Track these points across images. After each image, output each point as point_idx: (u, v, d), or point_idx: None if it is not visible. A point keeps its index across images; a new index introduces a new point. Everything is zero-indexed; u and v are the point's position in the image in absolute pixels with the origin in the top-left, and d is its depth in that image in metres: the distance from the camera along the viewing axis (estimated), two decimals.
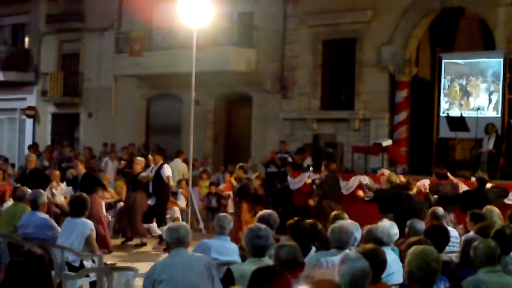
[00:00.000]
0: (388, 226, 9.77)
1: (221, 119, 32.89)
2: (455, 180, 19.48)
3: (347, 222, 10.38)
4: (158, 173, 20.67)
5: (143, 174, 20.97)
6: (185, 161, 24.08)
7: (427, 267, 6.90)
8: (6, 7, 40.22)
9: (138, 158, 22.77)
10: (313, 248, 9.92)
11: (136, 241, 20.78)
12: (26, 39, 40.74)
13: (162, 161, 21.05)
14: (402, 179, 18.79)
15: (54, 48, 38.98)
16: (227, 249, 10.70)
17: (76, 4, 37.42)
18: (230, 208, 24.53)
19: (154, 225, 20.65)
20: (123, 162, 23.36)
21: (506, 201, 18.22)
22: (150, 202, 20.82)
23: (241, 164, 22.63)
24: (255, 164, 27.99)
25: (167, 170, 20.80)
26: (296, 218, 10.74)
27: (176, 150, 25.80)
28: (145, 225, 20.72)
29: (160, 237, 20.24)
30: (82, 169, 19.92)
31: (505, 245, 9.09)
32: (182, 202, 23.38)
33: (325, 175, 20.97)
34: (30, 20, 40.09)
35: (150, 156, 22.19)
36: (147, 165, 21.46)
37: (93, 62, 36.67)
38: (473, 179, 18.73)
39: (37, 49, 39.48)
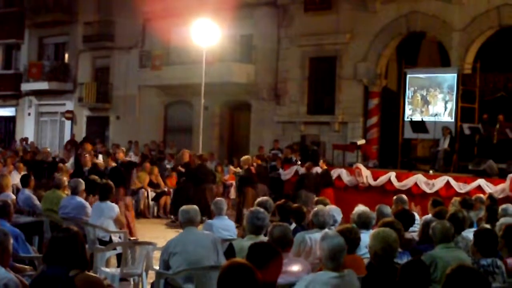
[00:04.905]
0: (370, 212, 9.80)
1: (225, 122, 32.85)
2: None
3: (327, 207, 10.40)
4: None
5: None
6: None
7: (389, 247, 6.89)
8: (50, 29, 40.29)
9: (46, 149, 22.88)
10: (293, 224, 9.98)
11: None
12: (66, 55, 40.71)
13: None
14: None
15: (89, 63, 38.96)
16: (226, 226, 10.83)
17: (107, 27, 37.40)
18: (233, 194, 24.54)
19: None
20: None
21: None
22: None
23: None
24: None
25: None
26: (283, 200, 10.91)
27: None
28: None
29: None
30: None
31: (458, 226, 9.11)
32: None
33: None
34: (69, 40, 40.11)
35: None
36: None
37: (121, 75, 36.66)
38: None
39: (75, 63, 39.48)
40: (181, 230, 8.98)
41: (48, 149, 23.78)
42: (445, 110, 23.60)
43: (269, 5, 30.04)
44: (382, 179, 20.59)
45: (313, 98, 28.98)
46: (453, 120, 23.16)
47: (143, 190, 22.50)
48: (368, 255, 8.08)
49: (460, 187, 18.67)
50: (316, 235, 8.59)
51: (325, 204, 10.88)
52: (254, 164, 21.75)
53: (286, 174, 23.52)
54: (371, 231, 9.14)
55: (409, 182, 19.92)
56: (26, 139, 37.39)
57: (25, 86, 40.78)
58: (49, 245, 5.76)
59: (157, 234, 17.24)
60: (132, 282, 10.75)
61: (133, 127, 35.29)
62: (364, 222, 9.38)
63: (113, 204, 12.26)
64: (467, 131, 22.20)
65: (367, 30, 26.75)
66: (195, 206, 9.10)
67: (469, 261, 7.70)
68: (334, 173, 21.81)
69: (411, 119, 23.79)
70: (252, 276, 4.81)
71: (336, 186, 21.34)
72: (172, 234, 12.72)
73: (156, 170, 23.78)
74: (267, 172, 23.14)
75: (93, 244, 11.53)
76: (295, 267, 7.24)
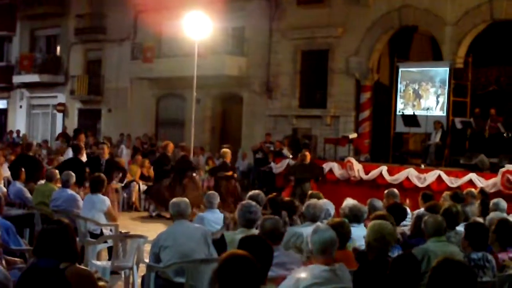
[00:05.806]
0: (361, 206, 9.81)
1: (217, 115, 32.82)
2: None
3: (321, 200, 10.39)
4: None
5: None
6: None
7: (383, 239, 6.91)
8: (41, 21, 40.24)
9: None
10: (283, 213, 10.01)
11: None
12: (58, 48, 40.65)
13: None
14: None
15: (80, 55, 38.91)
16: (217, 218, 10.87)
17: (99, 20, 37.35)
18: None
19: None
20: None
21: None
22: None
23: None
24: (244, 153, 28.05)
25: None
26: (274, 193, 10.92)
27: None
28: None
29: None
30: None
31: (451, 221, 9.11)
32: None
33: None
34: (61, 32, 40.02)
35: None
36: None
37: (112, 67, 36.58)
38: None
39: (67, 56, 39.42)
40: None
41: (34, 142, 23.56)
42: (437, 104, 23.62)
43: None
44: (374, 173, 20.60)
45: (305, 92, 28.97)
46: (445, 114, 23.18)
47: (134, 183, 22.41)
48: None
49: (452, 181, 18.67)
50: (309, 228, 8.57)
51: (318, 198, 10.88)
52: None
53: (278, 167, 23.53)
54: (363, 225, 9.19)
55: (400, 176, 19.92)
56: (18, 132, 37.42)
57: (17, 79, 40.74)
58: (39, 237, 5.73)
59: (148, 228, 17.21)
60: (123, 275, 10.71)
61: (125, 119, 35.23)
62: (355, 215, 9.38)
63: (105, 197, 12.22)
64: (459, 125, 22.22)
65: (359, 24, 26.73)
66: (186, 199, 9.09)
67: (461, 256, 7.70)
68: (326, 167, 21.81)
69: (403, 113, 23.79)
70: (255, 267, 4.80)
71: (327, 179, 21.36)
72: (163, 227, 12.68)
73: (147, 163, 23.70)
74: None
75: (84, 237, 11.50)
76: (286, 260, 7.22)
